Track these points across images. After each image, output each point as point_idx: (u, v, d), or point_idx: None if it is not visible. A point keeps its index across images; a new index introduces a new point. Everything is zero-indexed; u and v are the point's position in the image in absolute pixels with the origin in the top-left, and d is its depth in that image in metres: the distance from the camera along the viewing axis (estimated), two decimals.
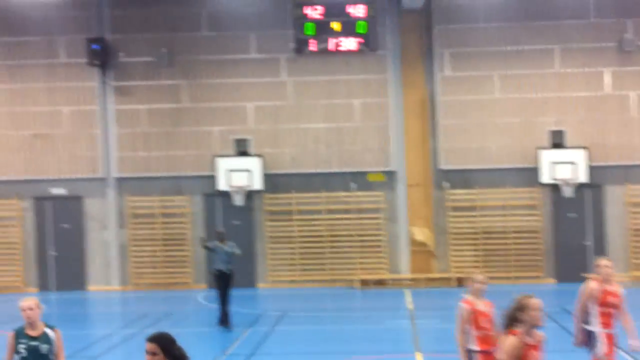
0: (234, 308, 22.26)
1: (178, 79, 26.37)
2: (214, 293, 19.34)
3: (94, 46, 25.95)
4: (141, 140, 26.36)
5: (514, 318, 8.29)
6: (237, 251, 19.76)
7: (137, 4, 26.36)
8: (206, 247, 20.25)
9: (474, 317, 10.94)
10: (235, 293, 25.04)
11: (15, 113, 26.46)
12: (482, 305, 11.08)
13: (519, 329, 8.20)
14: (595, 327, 11.77)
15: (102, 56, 26.01)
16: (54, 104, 26.45)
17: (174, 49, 26.27)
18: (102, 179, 26.33)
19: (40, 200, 26.50)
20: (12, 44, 26.55)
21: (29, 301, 9.89)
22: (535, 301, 8.24)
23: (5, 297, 25.36)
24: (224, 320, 19.20)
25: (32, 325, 9.83)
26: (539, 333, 8.35)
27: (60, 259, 26.48)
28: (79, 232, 26.48)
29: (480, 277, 11.25)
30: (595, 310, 11.81)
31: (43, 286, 26.43)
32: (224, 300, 19.17)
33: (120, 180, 26.37)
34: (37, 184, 26.39)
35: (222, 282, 19.22)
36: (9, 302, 24.33)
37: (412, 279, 25.71)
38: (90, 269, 26.46)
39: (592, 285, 11.91)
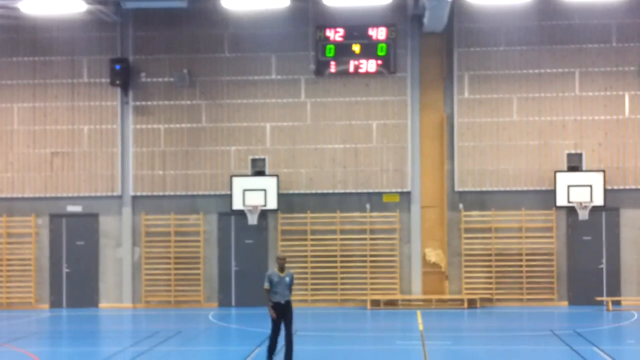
0: (244, 327, 22.21)
1: (198, 99, 26.58)
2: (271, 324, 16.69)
3: (117, 66, 26.30)
4: (159, 159, 26.54)
5: None
6: (293, 282, 16.96)
7: (160, 26, 26.68)
8: (268, 289, 16.60)
9: None
10: (246, 311, 25.12)
11: (37, 131, 26.82)
12: None
13: None
14: None
15: (123, 76, 26.38)
16: (74, 123, 26.81)
17: (195, 69, 26.53)
18: (118, 197, 26.52)
19: (56, 218, 26.75)
20: (37, 64, 27.00)
21: None
22: None
23: (17, 313, 25.58)
24: (271, 351, 16.70)
25: None
26: None
27: (73, 275, 26.65)
28: (93, 249, 26.66)
29: None
30: None
31: (55, 303, 26.63)
32: (275, 331, 16.64)
33: (136, 199, 26.53)
34: (55, 201, 26.70)
35: (278, 314, 16.59)
36: (20, 318, 24.53)
37: (424, 300, 25.42)
38: (103, 286, 26.61)
39: None
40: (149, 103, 26.69)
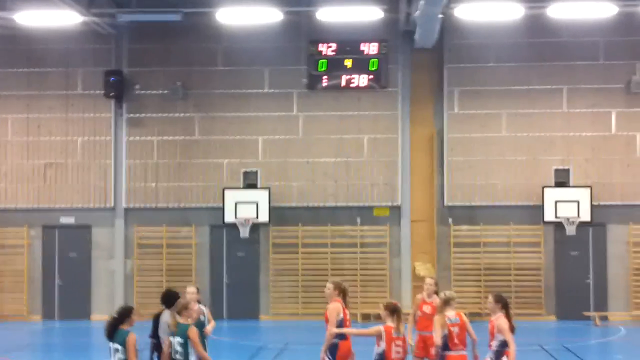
0: (235, 340, 22.39)
1: (191, 111, 26.79)
2: None
3: (111, 79, 26.45)
4: (151, 171, 26.73)
5: None
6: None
7: (154, 39, 26.88)
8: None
9: None
10: (237, 324, 25.29)
11: (30, 142, 26.95)
12: None
13: None
14: None
15: (118, 88, 26.50)
16: (68, 134, 26.95)
17: (189, 82, 26.75)
18: (111, 209, 26.68)
19: (49, 229, 26.85)
20: (32, 75, 27.14)
21: None
22: None
23: (9, 325, 25.60)
24: None
25: None
26: None
27: (65, 287, 26.72)
28: (85, 261, 26.74)
29: None
30: None
31: (47, 314, 26.68)
32: None
33: (129, 211, 26.70)
34: (47, 213, 26.79)
35: None
36: (12, 330, 24.62)
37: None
38: (95, 298, 26.68)
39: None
40: (143, 115, 26.89)
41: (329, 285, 13.11)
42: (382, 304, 12.12)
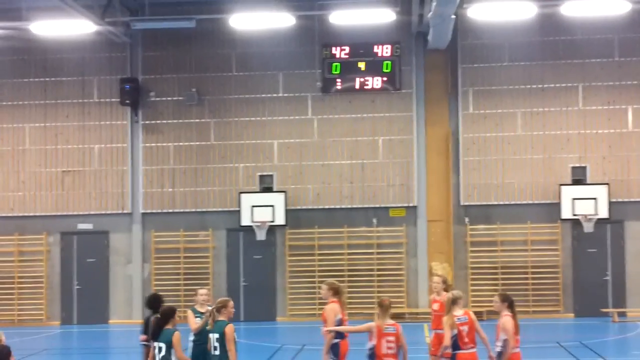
0: (253, 342, 22.39)
1: (206, 117, 26.92)
2: None
3: (126, 86, 26.65)
4: (168, 176, 26.86)
5: None
6: None
7: (168, 46, 27.06)
8: None
9: None
10: (254, 326, 25.33)
11: (48, 150, 27.21)
12: None
13: None
14: None
15: (133, 96, 26.70)
16: (85, 142, 27.17)
17: (203, 88, 26.88)
18: (128, 214, 26.83)
19: (67, 235, 27.05)
20: (48, 84, 27.41)
21: None
22: None
23: (28, 330, 25.77)
24: None
25: None
26: None
27: (84, 292, 26.90)
28: (103, 266, 26.94)
29: None
30: None
31: (66, 319, 26.88)
32: None
33: (146, 216, 26.84)
34: (66, 219, 27.01)
35: None
36: (32, 334, 24.76)
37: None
38: (113, 303, 26.85)
39: None
40: (158, 122, 27.06)
41: (324, 287, 13.35)
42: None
